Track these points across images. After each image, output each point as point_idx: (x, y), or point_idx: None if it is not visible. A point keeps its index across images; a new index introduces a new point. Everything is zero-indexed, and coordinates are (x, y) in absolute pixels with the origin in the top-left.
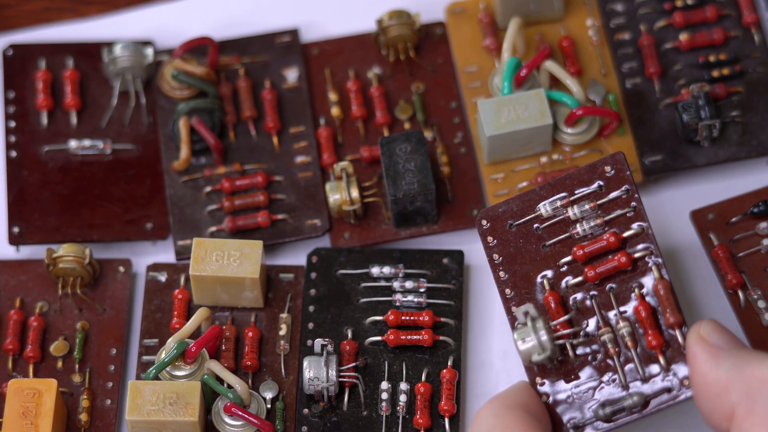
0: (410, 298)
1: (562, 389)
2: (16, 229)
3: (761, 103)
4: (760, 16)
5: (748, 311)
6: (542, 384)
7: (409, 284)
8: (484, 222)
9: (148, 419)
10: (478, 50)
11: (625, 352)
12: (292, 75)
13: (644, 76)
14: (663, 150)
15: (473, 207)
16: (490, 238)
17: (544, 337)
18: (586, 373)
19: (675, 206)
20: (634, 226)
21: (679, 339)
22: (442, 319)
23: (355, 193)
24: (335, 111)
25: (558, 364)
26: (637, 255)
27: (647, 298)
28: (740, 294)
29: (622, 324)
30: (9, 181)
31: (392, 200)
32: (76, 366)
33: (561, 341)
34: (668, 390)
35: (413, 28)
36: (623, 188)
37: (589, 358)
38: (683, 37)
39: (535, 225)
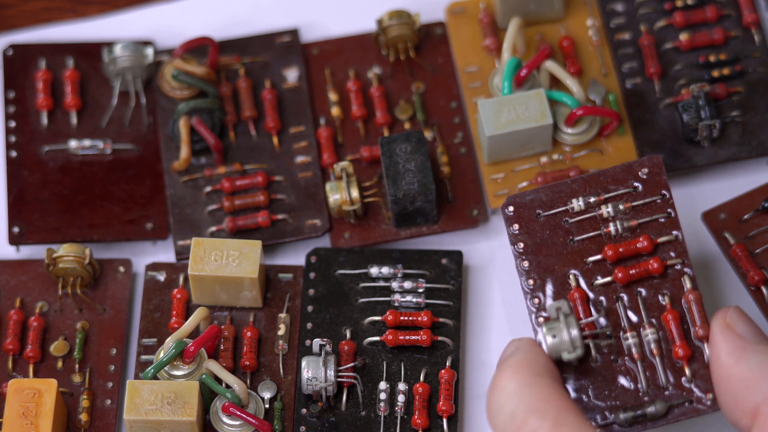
0: (409, 298)
1: (580, 387)
2: (16, 229)
3: (761, 103)
4: (760, 16)
5: None
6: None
7: (407, 284)
8: (510, 208)
9: (147, 419)
10: (478, 50)
11: (650, 358)
12: (292, 75)
13: (644, 76)
14: (663, 150)
15: (473, 207)
16: (515, 226)
17: (577, 336)
18: (606, 374)
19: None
20: (672, 233)
21: (705, 352)
22: (441, 320)
23: (355, 193)
24: (335, 111)
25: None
26: (669, 262)
27: (677, 308)
28: (764, 290)
29: (649, 330)
30: (9, 181)
31: (392, 200)
32: (76, 366)
33: (587, 341)
34: (690, 401)
35: (413, 28)
36: (661, 193)
37: (612, 359)
38: (683, 37)
39: (564, 218)
